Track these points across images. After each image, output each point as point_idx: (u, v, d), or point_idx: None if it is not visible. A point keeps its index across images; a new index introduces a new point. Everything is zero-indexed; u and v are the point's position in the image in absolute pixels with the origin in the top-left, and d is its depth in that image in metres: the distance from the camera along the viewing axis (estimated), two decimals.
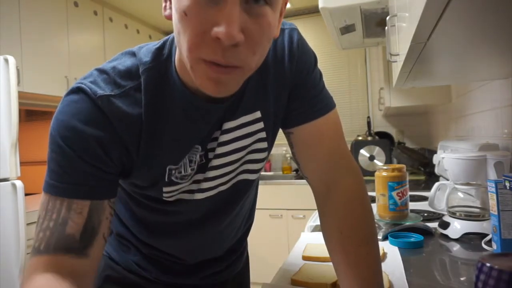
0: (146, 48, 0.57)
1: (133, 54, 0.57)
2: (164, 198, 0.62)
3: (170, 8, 0.50)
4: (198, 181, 0.62)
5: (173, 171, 0.58)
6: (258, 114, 0.62)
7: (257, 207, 0.86)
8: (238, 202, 0.71)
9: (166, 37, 0.58)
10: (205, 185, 0.63)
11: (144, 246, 0.72)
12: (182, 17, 0.45)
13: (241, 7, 0.44)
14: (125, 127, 0.53)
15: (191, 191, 0.63)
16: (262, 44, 0.48)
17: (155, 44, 0.58)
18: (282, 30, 0.63)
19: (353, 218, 0.63)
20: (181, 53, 0.49)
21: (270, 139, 0.66)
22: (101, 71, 0.54)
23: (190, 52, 0.46)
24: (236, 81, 0.49)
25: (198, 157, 0.60)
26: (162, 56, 0.56)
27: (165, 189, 0.60)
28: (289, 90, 0.64)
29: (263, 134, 0.64)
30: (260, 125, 0.63)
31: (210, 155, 0.61)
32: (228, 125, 0.60)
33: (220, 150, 0.61)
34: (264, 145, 0.65)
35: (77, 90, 0.52)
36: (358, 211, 0.64)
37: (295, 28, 0.65)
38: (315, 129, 0.65)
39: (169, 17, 0.50)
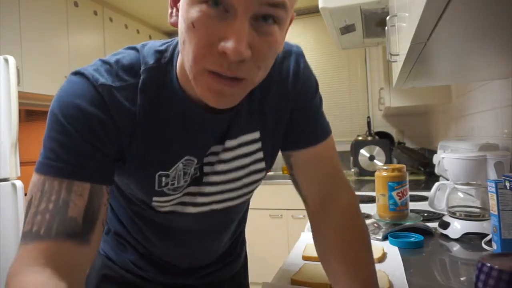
0: (149, 46, 0.57)
1: (137, 50, 0.57)
2: (155, 208, 0.62)
3: (177, 15, 0.50)
4: (192, 194, 0.62)
5: (164, 179, 0.58)
6: (257, 135, 0.63)
7: (257, 207, 0.86)
8: (230, 219, 0.72)
9: (170, 41, 0.59)
10: (200, 199, 0.63)
11: (141, 245, 0.72)
12: (189, 28, 0.45)
13: (250, 23, 0.44)
14: (122, 119, 0.52)
15: (184, 204, 0.63)
16: (267, 61, 0.49)
17: (158, 44, 0.58)
18: (289, 53, 0.63)
19: (354, 227, 0.65)
20: (184, 62, 0.49)
21: (269, 160, 0.66)
22: (105, 62, 0.54)
23: (195, 62, 0.46)
24: (238, 93, 0.49)
25: (192, 170, 0.60)
26: (164, 59, 0.56)
27: (155, 198, 0.60)
28: (289, 112, 0.65)
29: (260, 155, 0.64)
30: (258, 145, 0.63)
31: (206, 169, 0.61)
32: (230, 143, 0.60)
33: (220, 168, 0.61)
34: (261, 165, 0.66)
35: (79, 74, 0.52)
36: (358, 221, 0.66)
37: (302, 52, 0.66)
38: (316, 153, 0.66)
39: (175, 25, 0.51)
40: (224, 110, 0.56)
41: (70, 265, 0.47)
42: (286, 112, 0.64)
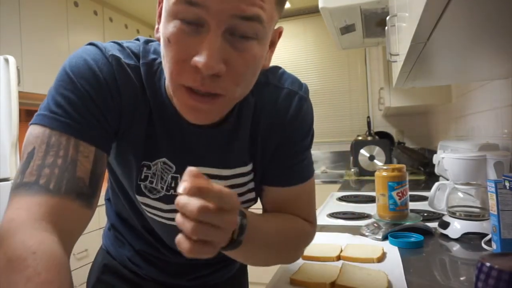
0: (152, 44, 0.58)
1: (139, 41, 0.59)
2: (139, 207, 0.62)
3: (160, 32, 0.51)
4: (167, 203, 0.61)
5: (145, 170, 0.58)
6: (250, 167, 0.63)
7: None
8: None
9: None
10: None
11: (136, 241, 0.72)
12: (166, 43, 0.46)
13: (224, 38, 0.44)
14: (127, 92, 0.53)
15: (168, 219, 0.62)
16: (245, 77, 0.48)
17: (156, 47, 0.58)
18: (295, 94, 0.63)
19: (295, 222, 0.64)
20: (166, 75, 0.50)
21: (257, 190, 0.66)
22: (117, 43, 0.56)
23: (171, 78, 0.47)
24: (215, 110, 0.49)
25: (169, 178, 0.59)
26: (158, 60, 0.57)
27: (138, 197, 0.60)
28: (275, 148, 0.64)
29: (252, 185, 0.65)
30: (250, 176, 0.64)
31: None
32: (225, 172, 0.61)
33: None
34: (252, 195, 0.66)
35: (92, 44, 0.54)
36: (301, 227, 0.65)
37: (307, 97, 0.65)
38: (288, 194, 0.64)
39: (159, 40, 0.51)
40: (206, 126, 0.56)
41: (73, 226, 0.46)
42: (273, 147, 0.63)
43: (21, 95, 2.11)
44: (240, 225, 0.49)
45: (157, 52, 0.57)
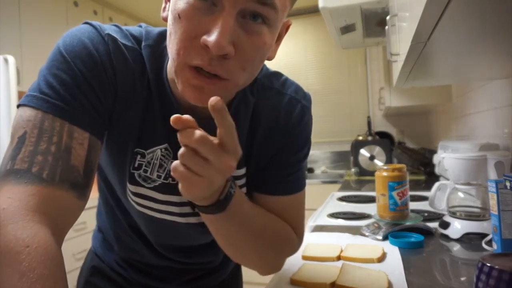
0: (153, 28, 0.57)
1: (141, 27, 0.57)
2: (129, 199, 0.60)
3: (169, 10, 0.49)
4: (172, 204, 0.60)
5: (139, 158, 0.56)
6: (243, 171, 0.61)
7: None
8: (197, 238, 0.68)
9: None
10: (173, 209, 0.60)
11: (122, 248, 0.70)
12: (175, 19, 0.45)
13: (236, 20, 0.44)
14: (122, 71, 0.51)
15: (155, 201, 0.60)
16: (253, 62, 0.48)
17: (162, 29, 0.57)
18: (297, 101, 0.62)
19: (282, 225, 0.63)
20: (169, 56, 0.49)
21: (248, 196, 0.63)
22: (114, 24, 0.55)
23: (177, 55, 0.45)
24: (219, 93, 0.48)
25: (169, 164, 0.57)
26: (164, 44, 0.55)
27: (129, 186, 0.57)
28: (272, 155, 0.62)
29: (243, 190, 0.62)
30: (243, 181, 0.62)
31: None
32: None
33: None
34: None
35: (87, 23, 0.52)
36: (287, 233, 0.63)
37: (309, 107, 0.64)
38: (279, 204, 0.62)
39: (166, 19, 0.50)
40: (203, 115, 0.54)
41: (66, 218, 0.44)
42: (269, 154, 0.62)
43: (21, 95, 2.11)
44: (228, 192, 0.50)
45: (161, 35, 0.56)
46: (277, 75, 0.64)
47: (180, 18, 0.44)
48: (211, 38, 0.42)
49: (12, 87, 1.86)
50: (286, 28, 0.55)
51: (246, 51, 0.45)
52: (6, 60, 1.86)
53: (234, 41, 0.44)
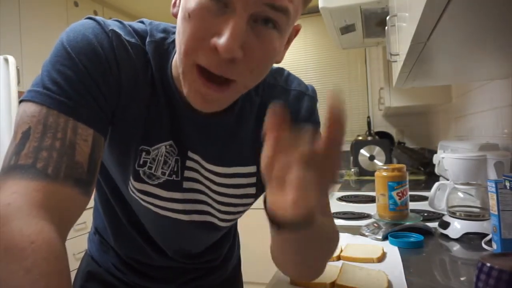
0: (157, 23, 0.57)
1: (144, 24, 0.56)
2: (132, 194, 0.59)
3: (180, 6, 0.48)
4: (174, 201, 0.59)
5: (144, 155, 0.55)
6: (254, 168, 0.61)
7: (256, 207, 0.85)
8: (200, 237, 0.67)
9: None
10: (177, 206, 0.60)
11: (122, 245, 0.69)
12: (185, 18, 0.44)
13: (247, 24, 0.43)
14: (125, 67, 0.51)
15: (159, 198, 0.59)
16: (261, 66, 0.47)
17: (167, 25, 0.56)
18: (303, 94, 0.62)
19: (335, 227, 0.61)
20: (177, 55, 0.48)
21: (258, 195, 0.63)
22: (117, 20, 0.54)
23: (185, 55, 0.45)
24: (225, 98, 0.47)
25: (173, 162, 0.57)
26: (169, 39, 0.54)
27: (133, 183, 0.57)
28: None
29: (252, 190, 0.62)
30: (253, 179, 0.61)
31: (188, 173, 0.58)
32: (220, 169, 0.59)
33: (207, 184, 0.59)
34: (249, 201, 0.63)
35: (90, 19, 0.51)
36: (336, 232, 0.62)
37: (315, 96, 0.64)
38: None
39: (176, 15, 0.49)
40: (211, 114, 0.54)
41: (70, 214, 0.43)
42: None
43: (21, 95, 2.11)
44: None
45: (166, 31, 0.55)
46: (280, 71, 0.64)
47: (190, 18, 0.43)
48: (221, 41, 0.41)
49: (12, 87, 1.86)
50: (296, 32, 0.54)
51: (255, 56, 0.45)
52: (6, 60, 1.86)
53: (244, 45, 0.43)
